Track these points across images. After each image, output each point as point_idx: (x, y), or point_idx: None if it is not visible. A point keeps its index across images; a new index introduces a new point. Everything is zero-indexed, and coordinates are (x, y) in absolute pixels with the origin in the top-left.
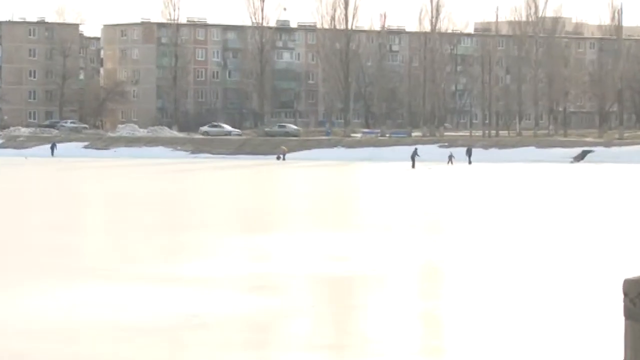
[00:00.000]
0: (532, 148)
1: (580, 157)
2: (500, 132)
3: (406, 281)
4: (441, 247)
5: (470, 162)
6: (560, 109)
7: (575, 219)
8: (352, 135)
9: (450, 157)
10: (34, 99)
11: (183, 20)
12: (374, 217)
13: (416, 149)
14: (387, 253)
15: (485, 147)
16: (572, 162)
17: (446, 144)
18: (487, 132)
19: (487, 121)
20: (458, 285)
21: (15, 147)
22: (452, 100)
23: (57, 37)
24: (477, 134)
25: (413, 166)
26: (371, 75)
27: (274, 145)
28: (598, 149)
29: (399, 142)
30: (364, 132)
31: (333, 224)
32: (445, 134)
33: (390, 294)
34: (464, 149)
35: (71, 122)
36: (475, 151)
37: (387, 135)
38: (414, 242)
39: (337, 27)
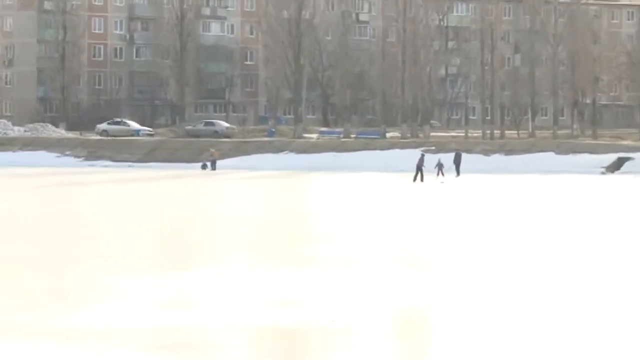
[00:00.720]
0: (549, 154)
1: (615, 167)
2: (507, 132)
3: (377, 335)
4: (422, 290)
5: (458, 174)
6: (588, 101)
7: (614, 261)
8: (306, 136)
9: (440, 167)
10: None
11: None
12: (334, 248)
13: (423, 155)
14: (351, 297)
15: (486, 152)
16: (603, 172)
17: (433, 148)
18: (488, 132)
19: (488, 117)
20: (443, 343)
21: None
22: (441, 88)
23: None
24: (475, 134)
25: (422, 179)
26: (331, 54)
27: (199, 149)
28: (639, 156)
29: (369, 145)
30: (321, 132)
31: (279, 257)
32: (433, 134)
33: (356, 354)
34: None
35: None
36: (471, 158)
37: (353, 136)
38: (387, 281)
39: None
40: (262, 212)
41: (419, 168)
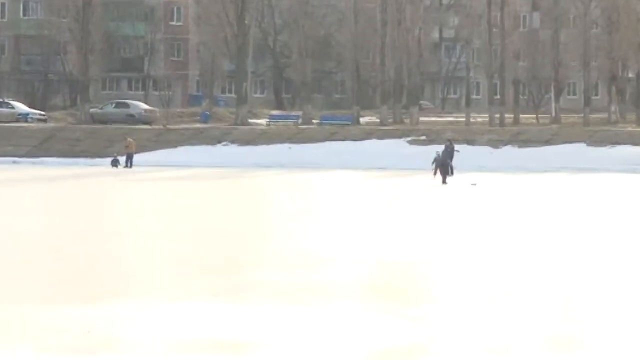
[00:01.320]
0: (579, 146)
1: None
2: (522, 116)
3: None
4: (414, 335)
5: (451, 172)
6: (631, 74)
7: None
8: (252, 122)
9: (437, 163)
10: None
11: None
12: (291, 275)
13: (449, 144)
14: (303, 336)
15: (495, 143)
16: None
17: (423, 137)
18: (497, 116)
19: (497, 97)
20: None
21: None
22: (433, 58)
23: None
24: (479, 119)
25: (444, 179)
26: (287, 12)
27: (108, 139)
28: None
29: (336, 134)
30: (272, 117)
31: (217, 287)
32: (423, 119)
33: None
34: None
35: None
36: (475, 151)
37: (316, 122)
38: (359, 323)
39: None
40: (192, 227)
41: (443, 163)
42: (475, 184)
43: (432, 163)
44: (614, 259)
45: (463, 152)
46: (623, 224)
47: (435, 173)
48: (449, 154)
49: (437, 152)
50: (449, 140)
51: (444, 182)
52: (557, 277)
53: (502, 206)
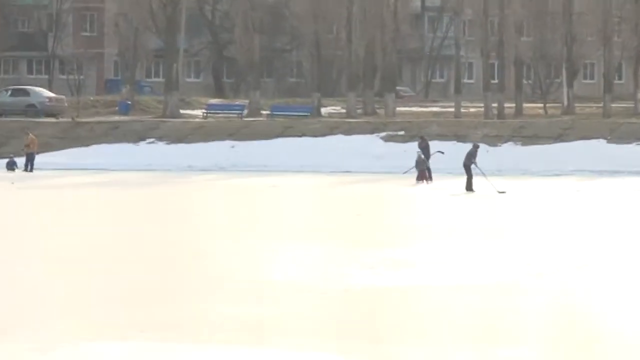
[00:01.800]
0: (598, 143)
1: None
2: (527, 105)
3: None
4: None
5: (429, 178)
6: None
7: None
8: (185, 113)
9: (420, 165)
10: None
11: None
12: (233, 310)
13: (475, 148)
14: None
15: (492, 140)
16: None
17: (401, 133)
18: (495, 106)
19: (495, 81)
20: None
21: None
22: (414, 33)
23: None
24: (472, 109)
25: (469, 185)
26: None
27: (3, 135)
28: None
29: (291, 129)
30: (211, 107)
31: (142, 322)
32: (400, 110)
33: None
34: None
35: None
36: (466, 150)
37: (266, 112)
38: None
39: None
40: (108, 249)
41: (467, 167)
42: (504, 192)
43: (415, 166)
44: None
45: (451, 152)
46: None
47: (419, 178)
48: (424, 152)
49: (419, 151)
50: (421, 137)
51: (419, 180)
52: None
53: (502, 223)
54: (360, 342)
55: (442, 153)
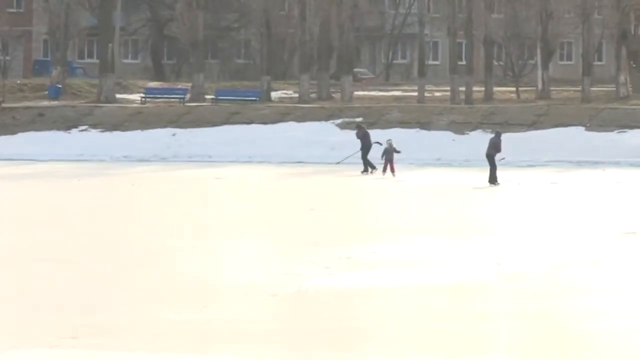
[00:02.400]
0: (577, 130)
1: None
2: (498, 89)
3: None
4: None
5: (370, 167)
6: None
7: None
8: (121, 98)
9: (386, 154)
10: None
11: None
12: (173, 314)
13: (389, 140)
14: None
15: (459, 128)
16: None
17: (359, 119)
18: (462, 89)
19: (462, 62)
20: None
21: None
22: (374, 9)
23: None
24: (438, 93)
25: (492, 178)
26: None
27: None
28: None
29: (238, 115)
30: (150, 92)
31: (73, 328)
32: (358, 94)
33: None
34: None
35: None
36: (431, 138)
37: (210, 97)
38: None
39: None
40: (35, 250)
41: (491, 157)
42: (519, 184)
43: (382, 156)
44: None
45: (414, 141)
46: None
47: (385, 169)
48: (362, 142)
49: (389, 141)
50: (358, 125)
51: (384, 171)
52: None
53: (464, 221)
54: (314, 348)
55: (380, 144)
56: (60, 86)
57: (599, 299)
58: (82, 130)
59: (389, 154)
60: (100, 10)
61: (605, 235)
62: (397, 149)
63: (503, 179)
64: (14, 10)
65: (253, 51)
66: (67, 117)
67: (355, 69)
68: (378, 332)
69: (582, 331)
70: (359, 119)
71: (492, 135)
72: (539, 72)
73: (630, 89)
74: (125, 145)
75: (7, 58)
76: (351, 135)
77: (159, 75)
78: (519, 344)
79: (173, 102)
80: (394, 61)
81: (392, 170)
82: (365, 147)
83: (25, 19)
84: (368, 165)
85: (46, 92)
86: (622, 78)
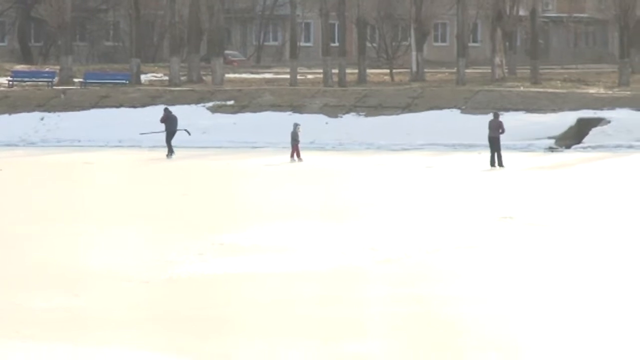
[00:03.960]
0: (452, 113)
1: (573, 137)
2: (371, 71)
3: None
4: None
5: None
6: (522, 12)
7: None
8: None
9: (293, 138)
10: None
11: None
12: (41, 301)
13: (297, 125)
14: None
15: (332, 111)
16: (552, 148)
17: (230, 103)
18: (335, 71)
19: (335, 44)
20: None
21: None
22: None
23: None
24: (310, 75)
25: (497, 160)
26: None
27: None
28: (617, 115)
29: (107, 99)
30: (17, 75)
31: None
32: (230, 77)
33: None
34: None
35: None
36: (303, 121)
37: (78, 80)
38: None
39: None
40: None
41: (494, 139)
42: (431, 167)
43: (291, 140)
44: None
45: (288, 125)
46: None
47: (293, 154)
48: (168, 126)
49: (297, 124)
50: (165, 108)
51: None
52: None
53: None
54: (186, 337)
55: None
56: None
57: (472, 285)
58: None
59: (294, 138)
60: None
61: (481, 220)
62: (299, 136)
63: (376, 163)
64: None
65: (122, 33)
66: None
67: (226, 52)
68: (252, 319)
69: (452, 316)
70: (231, 102)
71: (491, 118)
72: (413, 54)
73: (506, 70)
74: None
75: None
76: (222, 118)
77: (26, 58)
78: (392, 329)
79: (41, 85)
80: (265, 43)
81: (298, 155)
82: (170, 131)
83: None
84: (169, 150)
85: None
86: (497, 60)
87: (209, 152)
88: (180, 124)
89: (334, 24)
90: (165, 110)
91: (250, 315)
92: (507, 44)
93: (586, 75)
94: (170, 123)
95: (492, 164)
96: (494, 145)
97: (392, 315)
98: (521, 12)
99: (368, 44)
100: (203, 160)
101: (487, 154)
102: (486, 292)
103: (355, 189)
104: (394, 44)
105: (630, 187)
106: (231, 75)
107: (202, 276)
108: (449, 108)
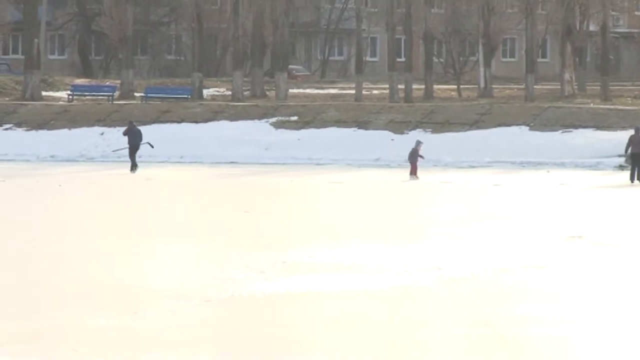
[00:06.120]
0: (520, 130)
1: None
2: (439, 87)
3: None
4: None
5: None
6: (594, 27)
7: None
8: (47, 95)
9: (412, 156)
10: None
11: None
12: (110, 321)
13: (419, 142)
14: None
15: (398, 127)
16: (622, 166)
17: (294, 118)
18: (402, 87)
19: (401, 59)
20: None
21: None
22: (308, 4)
23: None
24: (376, 91)
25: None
26: None
27: None
28: None
29: (168, 114)
30: (77, 89)
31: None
32: (294, 92)
33: None
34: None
35: None
36: (368, 138)
37: (140, 95)
38: None
39: None
40: None
41: (637, 157)
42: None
43: (408, 158)
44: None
45: (352, 141)
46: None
47: (413, 171)
48: (129, 137)
49: (419, 141)
50: (130, 121)
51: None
52: None
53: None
54: (248, 357)
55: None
56: None
57: (539, 305)
58: (6, 129)
59: (413, 156)
60: (25, 5)
61: (549, 239)
62: (421, 154)
63: (443, 181)
64: None
65: (184, 47)
66: None
67: (290, 66)
68: (314, 339)
69: (520, 338)
70: (294, 118)
71: (632, 133)
72: (481, 70)
73: (576, 87)
74: (51, 144)
75: None
76: (286, 134)
77: (86, 71)
78: (458, 351)
79: (101, 100)
80: (331, 58)
81: (415, 172)
82: (132, 145)
83: None
84: (132, 164)
85: None
86: (566, 76)
87: (272, 168)
88: (248, 139)
89: (400, 39)
90: (130, 123)
91: (313, 335)
92: (577, 59)
93: None
94: (132, 137)
95: (632, 179)
96: (637, 161)
97: (458, 337)
98: (591, 28)
99: (435, 59)
100: (266, 177)
101: (556, 172)
102: (554, 314)
103: (421, 206)
104: (461, 59)
105: None
106: (295, 91)
107: (263, 295)
108: (517, 125)
